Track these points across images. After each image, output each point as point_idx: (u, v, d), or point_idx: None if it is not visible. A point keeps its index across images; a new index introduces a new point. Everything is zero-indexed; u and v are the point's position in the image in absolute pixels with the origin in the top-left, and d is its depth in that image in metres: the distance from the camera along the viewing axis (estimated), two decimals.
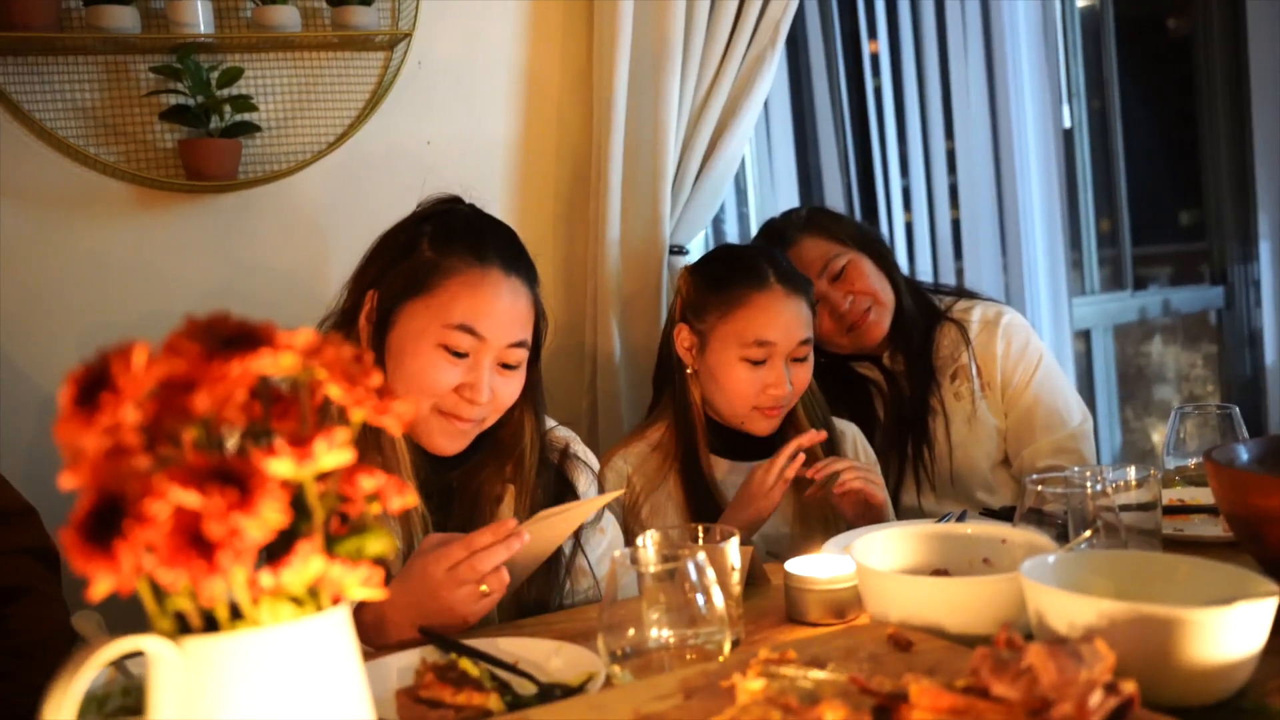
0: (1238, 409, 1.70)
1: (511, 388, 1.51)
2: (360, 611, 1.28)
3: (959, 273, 3.11)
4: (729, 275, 1.81)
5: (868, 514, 1.73)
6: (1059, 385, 2.13)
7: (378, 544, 0.68)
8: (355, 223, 2.06)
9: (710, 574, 1.05)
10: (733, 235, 2.81)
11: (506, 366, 1.49)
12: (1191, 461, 1.72)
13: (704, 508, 1.79)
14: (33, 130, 1.86)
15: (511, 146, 2.26)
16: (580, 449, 1.65)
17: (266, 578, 0.62)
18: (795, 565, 1.31)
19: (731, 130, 2.25)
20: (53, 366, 1.89)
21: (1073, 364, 3.28)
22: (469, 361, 1.46)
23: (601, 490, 1.67)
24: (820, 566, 1.29)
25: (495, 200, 2.18)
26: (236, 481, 0.60)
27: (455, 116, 2.19)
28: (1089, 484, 1.26)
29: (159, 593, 0.63)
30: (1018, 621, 1.01)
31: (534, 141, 2.28)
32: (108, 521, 0.58)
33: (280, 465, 0.62)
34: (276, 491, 0.60)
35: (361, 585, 0.66)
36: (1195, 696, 0.89)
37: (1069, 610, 0.91)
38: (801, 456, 1.71)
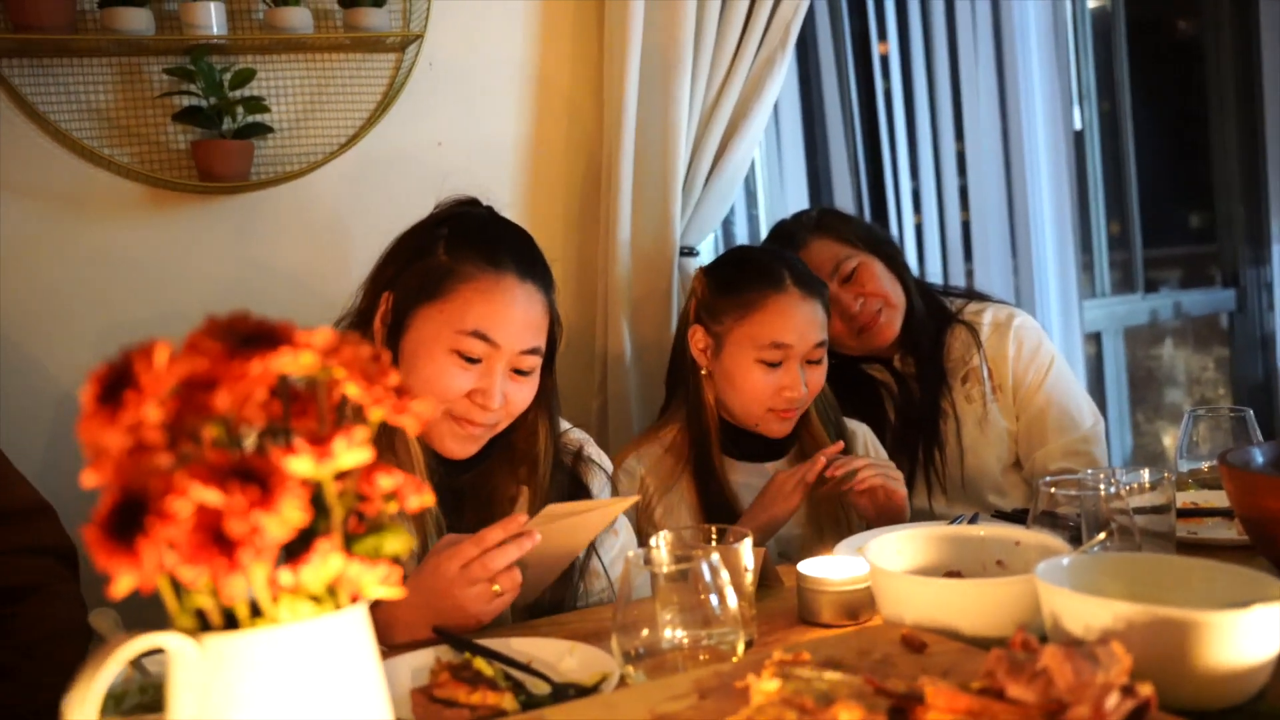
0: (1251, 412, 1.70)
1: (524, 393, 1.51)
2: (373, 610, 1.28)
3: (969, 275, 3.10)
4: (745, 277, 1.81)
5: (887, 511, 1.72)
6: (1070, 388, 2.13)
7: (395, 543, 0.68)
8: (367, 224, 2.07)
9: (724, 575, 1.06)
10: (742, 237, 2.81)
11: (519, 372, 1.49)
12: (1205, 464, 1.72)
13: (717, 509, 1.79)
14: (47, 131, 1.87)
15: (522, 148, 2.26)
16: (594, 451, 1.65)
17: (286, 576, 0.63)
18: (808, 566, 1.31)
19: (742, 132, 2.25)
20: (67, 365, 1.90)
21: (1083, 367, 3.27)
22: (482, 367, 1.46)
23: (615, 492, 1.67)
24: (833, 568, 1.29)
25: (506, 201, 2.18)
26: (257, 480, 0.60)
27: (466, 118, 2.19)
28: (1103, 486, 1.26)
29: (180, 590, 0.63)
30: (1032, 624, 1.01)
31: (544, 143, 2.28)
32: (130, 519, 0.58)
33: (300, 464, 0.62)
34: (297, 490, 0.61)
35: (379, 584, 0.66)
36: (1212, 700, 0.89)
37: (1085, 613, 0.91)
38: (821, 460, 1.71)
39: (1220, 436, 1.73)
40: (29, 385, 1.87)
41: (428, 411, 0.69)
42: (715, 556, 1.06)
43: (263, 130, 1.98)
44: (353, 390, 0.66)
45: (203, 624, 0.64)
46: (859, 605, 1.27)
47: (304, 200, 2.06)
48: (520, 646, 1.21)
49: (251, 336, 0.63)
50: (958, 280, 3.05)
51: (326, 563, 0.63)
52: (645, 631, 1.05)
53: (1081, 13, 3.50)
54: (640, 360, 2.27)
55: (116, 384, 0.60)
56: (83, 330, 1.91)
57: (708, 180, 2.27)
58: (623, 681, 1.06)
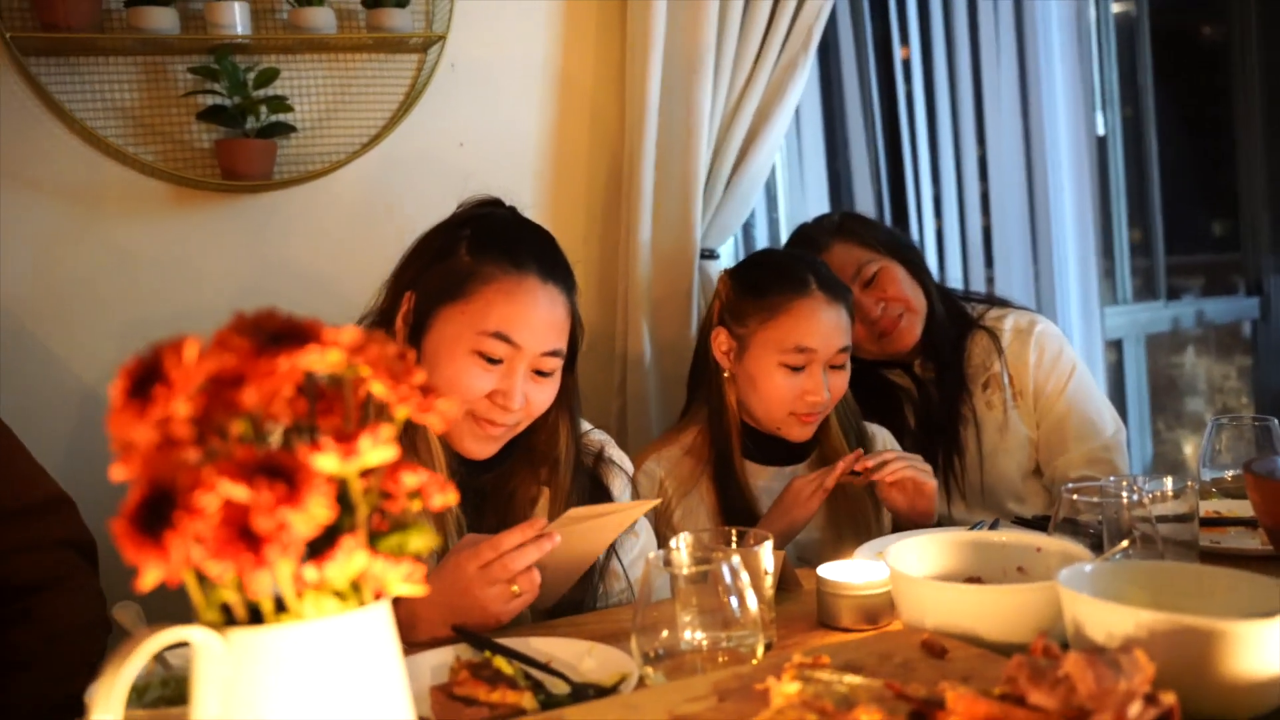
0: (1275, 421, 1.68)
1: (545, 394, 1.51)
2: (394, 608, 1.28)
3: (989, 280, 3.09)
4: (771, 281, 1.81)
5: (917, 503, 1.72)
6: (1092, 395, 2.12)
7: (419, 540, 0.69)
8: (388, 224, 2.08)
9: (744, 577, 1.05)
10: (763, 240, 2.81)
11: (540, 373, 1.49)
12: (1228, 473, 1.70)
13: (736, 512, 1.79)
14: (73, 129, 1.89)
15: (544, 149, 2.27)
16: (615, 453, 1.65)
17: (311, 572, 0.63)
18: (828, 570, 1.31)
19: (763, 135, 2.25)
20: (90, 361, 1.91)
21: (1104, 374, 3.26)
22: (503, 368, 1.46)
23: (635, 494, 1.67)
24: (853, 572, 1.29)
25: (528, 202, 2.17)
26: (284, 476, 0.60)
27: (488, 119, 2.20)
28: (1125, 494, 1.25)
29: (205, 584, 0.63)
30: (1053, 631, 1.01)
31: (566, 144, 2.28)
32: (158, 513, 0.59)
33: (326, 460, 0.62)
34: (323, 486, 0.61)
35: (403, 581, 0.67)
36: (1234, 710, 0.88)
37: (1107, 620, 0.90)
38: (840, 466, 1.70)
39: (1243, 446, 1.71)
40: (52, 380, 1.89)
41: (452, 410, 0.69)
42: (736, 559, 1.06)
43: (286, 130, 1.99)
44: (379, 388, 0.67)
45: (228, 619, 0.65)
46: (878, 609, 1.27)
47: (326, 200, 2.07)
48: (540, 646, 1.21)
49: (279, 334, 0.64)
50: (978, 286, 3.04)
51: (351, 559, 0.64)
52: (665, 633, 1.05)
53: (1105, 17, 3.48)
54: (660, 362, 2.27)
55: (146, 379, 0.61)
56: (105, 327, 1.93)
57: (729, 183, 2.27)
58: (642, 682, 1.06)
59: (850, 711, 0.80)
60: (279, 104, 1.96)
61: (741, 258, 2.41)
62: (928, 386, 2.14)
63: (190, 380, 0.60)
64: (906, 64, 3.01)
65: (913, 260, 2.13)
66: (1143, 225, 3.75)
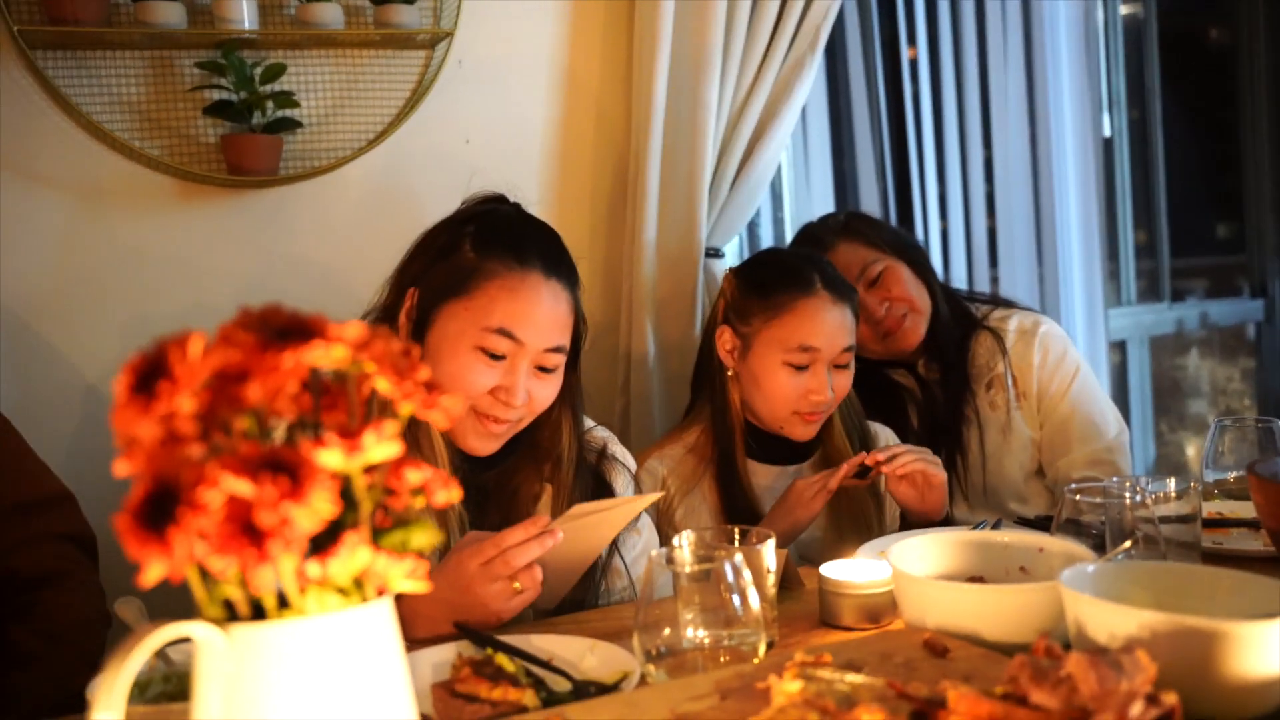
0: (1279, 422, 1.68)
1: (548, 390, 1.51)
2: (395, 604, 1.29)
3: (994, 281, 3.09)
4: (776, 280, 1.81)
5: (928, 497, 1.71)
6: (1095, 396, 2.12)
7: (422, 537, 0.69)
8: (394, 220, 2.08)
9: (746, 575, 1.05)
10: (768, 239, 2.81)
11: (544, 370, 1.49)
12: (1231, 475, 1.70)
13: (738, 511, 1.79)
14: (79, 123, 1.89)
15: (550, 146, 2.27)
16: (618, 449, 1.65)
17: (314, 568, 0.63)
18: (830, 569, 1.31)
19: (769, 134, 2.25)
20: (94, 356, 1.91)
21: (1107, 375, 3.25)
22: (506, 364, 1.46)
23: (638, 491, 1.67)
24: (855, 571, 1.29)
25: (533, 199, 2.19)
26: (287, 472, 0.60)
27: (495, 116, 2.20)
28: (1128, 495, 1.25)
29: (208, 580, 0.63)
30: (1055, 631, 1.01)
31: (573, 142, 2.28)
32: (161, 508, 0.59)
33: (330, 456, 0.62)
34: (327, 482, 0.61)
35: (406, 577, 0.67)
36: (1236, 710, 0.88)
37: (1110, 620, 0.90)
38: (845, 468, 1.70)
39: (1246, 447, 1.71)
40: (55, 375, 1.89)
41: (456, 407, 0.69)
42: (738, 557, 1.06)
43: (292, 125, 1.99)
44: (383, 384, 0.67)
45: (230, 614, 0.65)
46: (880, 609, 1.27)
47: (332, 195, 2.07)
48: (541, 644, 1.21)
49: (284, 329, 0.64)
50: (983, 286, 3.04)
51: (354, 555, 0.64)
52: (667, 631, 1.05)
53: (1113, 19, 3.48)
54: (663, 361, 2.27)
55: (150, 374, 0.61)
56: (109, 321, 1.93)
57: (734, 182, 2.27)
58: (643, 680, 1.06)
59: (852, 710, 0.80)
60: (286, 99, 1.96)
61: (746, 257, 2.41)
62: (931, 387, 2.14)
63: (195, 376, 0.60)
64: (913, 64, 3.01)
65: (918, 260, 2.13)
66: (1148, 227, 3.75)
